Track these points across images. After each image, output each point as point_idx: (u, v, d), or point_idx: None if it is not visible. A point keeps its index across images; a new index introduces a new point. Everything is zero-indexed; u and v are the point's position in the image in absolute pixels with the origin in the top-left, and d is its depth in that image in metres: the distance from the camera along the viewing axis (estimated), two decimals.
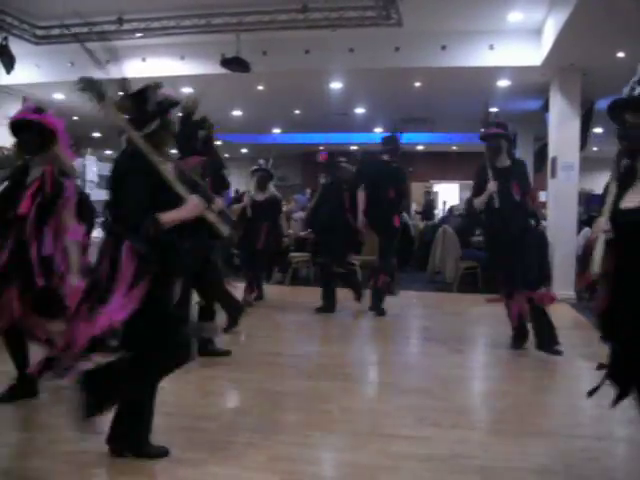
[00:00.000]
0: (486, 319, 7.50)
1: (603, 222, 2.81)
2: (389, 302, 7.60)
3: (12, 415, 3.85)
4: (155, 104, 3.19)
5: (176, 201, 3.09)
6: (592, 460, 3.32)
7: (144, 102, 3.18)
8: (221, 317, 5.89)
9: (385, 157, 7.44)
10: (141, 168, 3.05)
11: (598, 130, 14.16)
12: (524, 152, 14.31)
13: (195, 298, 4.53)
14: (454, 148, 20.99)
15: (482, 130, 5.97)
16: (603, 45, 8.46)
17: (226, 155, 24.20)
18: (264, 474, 3.09)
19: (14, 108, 13.13)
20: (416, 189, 21.90)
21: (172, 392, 4.55)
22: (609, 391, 4.72)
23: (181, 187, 3.13)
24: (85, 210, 7.08)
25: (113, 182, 3.17)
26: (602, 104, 11.33)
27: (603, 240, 2.76)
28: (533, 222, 5.89)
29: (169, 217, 3.02)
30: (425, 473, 3.15)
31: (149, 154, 3.08)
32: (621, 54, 8.78)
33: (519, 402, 4.37)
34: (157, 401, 4.21)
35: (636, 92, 2.68)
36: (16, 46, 9.98)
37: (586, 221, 11.10)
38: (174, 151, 4.91)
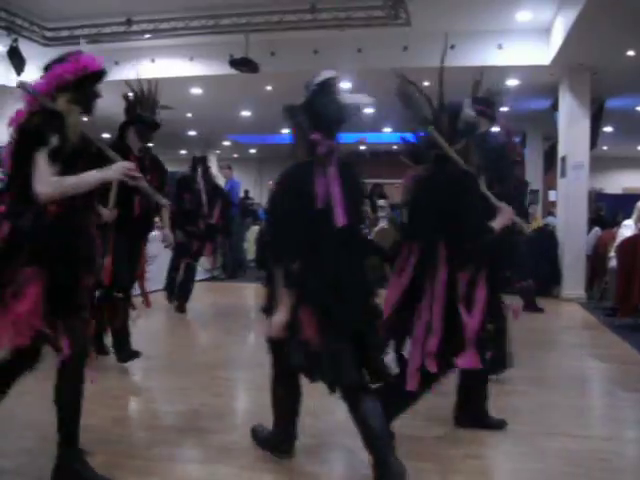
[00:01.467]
0: None
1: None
2: None
3: (23, 415, 3.87)
4: (464, 123, 3.28)
5: (490, 211, 3.24)
6: (602, 461, 3.30)
7: (455, 119, 3.27)
8: None
9: None
10: (471, 187, 3.17)
11: (608, 129, 14.10)
12: (533, 151, 14.27)
13: None
14: None
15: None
16: (612, 44, 8.43)
17: (235, 155, 24.26)
18: (271, 474, 3.09)
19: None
20: None
21: (180, 392, 4.57)
22: (620, 393, 4.71)
23: (494, 198, 3.29)
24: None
25: (439, 203, 3.10)
26: (612, 103, 11.29)
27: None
28: None
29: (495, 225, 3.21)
30: (435, 474, 3.15)
31: (469, 170, 3.20)
32: (631, 52, 8.74)
33: (529, 402, 4.36)
34: (164, 401, 4.24)
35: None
36: (26, 48, 10.04)
37: (596, 220, 11.06)
38: None
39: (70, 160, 2.77)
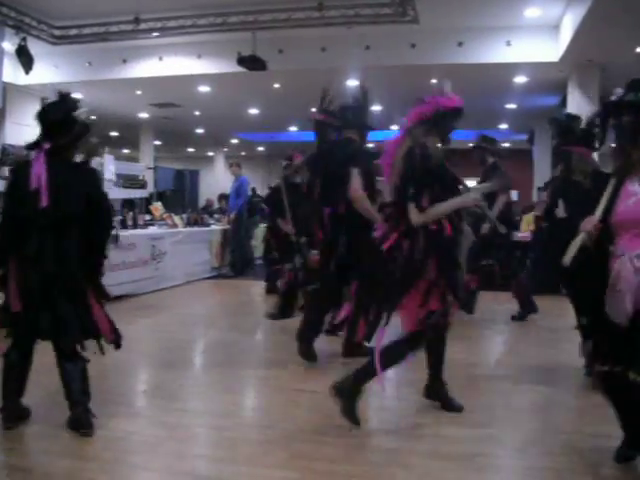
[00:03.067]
0: (502, 316, 7.45)
1: (595, 219, 2.88)
2: None
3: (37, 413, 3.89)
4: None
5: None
6: (611, 459, 3.28)
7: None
8: None
9: None
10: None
11: None
12: (542, 149, 14.22)
13: None
14: (471, 145, 20.89)
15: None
16: (622, 40, 8.39)
17: (243, 153, 24.26)
18: (284, 472, 3.09)
19: (33, 108, 13.31)
20: None
21: (195, 389, 4.58)
22: None
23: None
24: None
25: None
26: None
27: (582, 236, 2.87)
28: None
29: None
30: (445, 472, 3.14)
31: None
32: None
33: (539, 400, 4.35)
34: (180, 397, 4.24)
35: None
36: (34, 46, 10.08)
37: None
38: None
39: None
